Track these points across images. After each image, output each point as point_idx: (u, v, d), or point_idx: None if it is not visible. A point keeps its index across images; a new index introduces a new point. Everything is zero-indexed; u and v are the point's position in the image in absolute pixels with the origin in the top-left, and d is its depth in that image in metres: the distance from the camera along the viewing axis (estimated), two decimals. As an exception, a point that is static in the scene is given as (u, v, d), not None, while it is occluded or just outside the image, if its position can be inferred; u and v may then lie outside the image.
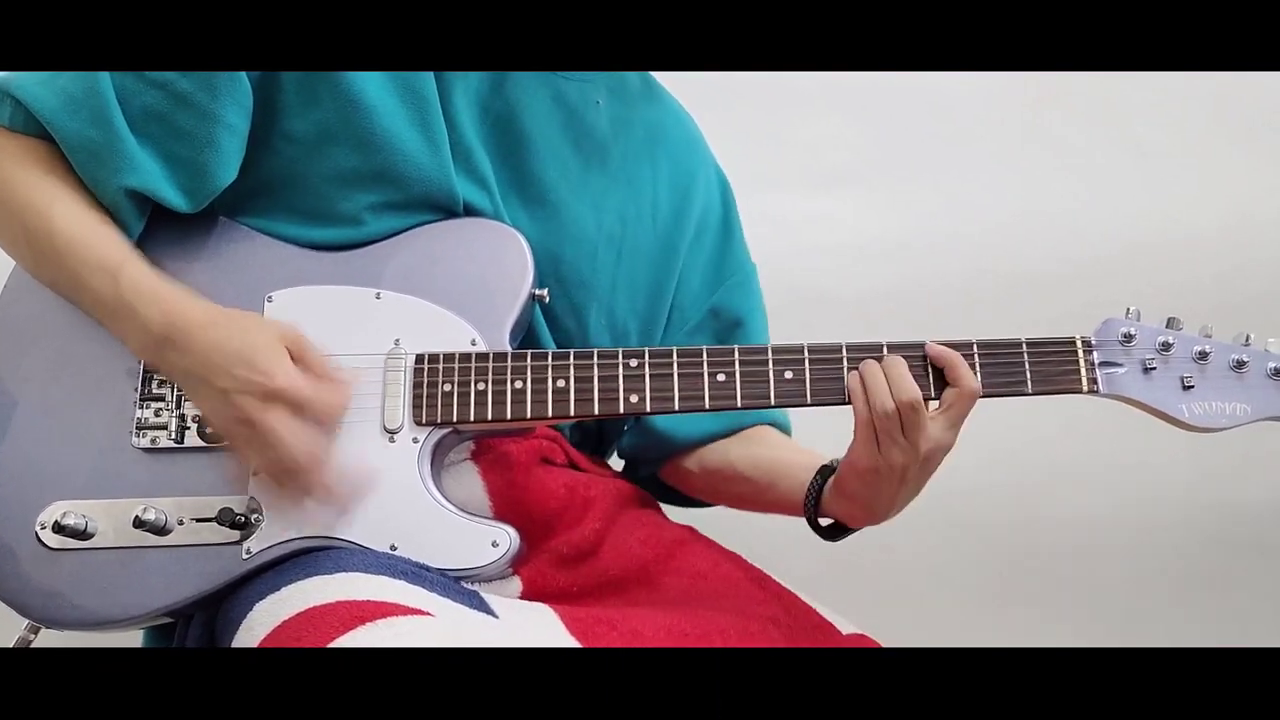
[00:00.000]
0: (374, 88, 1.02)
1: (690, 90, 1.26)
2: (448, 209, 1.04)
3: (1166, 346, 1.00)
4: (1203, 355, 0.99)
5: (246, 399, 0.92)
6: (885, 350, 0.98)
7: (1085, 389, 0.99)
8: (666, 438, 1.16)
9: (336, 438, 0.96)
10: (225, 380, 0.93)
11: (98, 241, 0.97)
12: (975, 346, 0.99)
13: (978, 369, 0.98)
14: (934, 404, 0.97)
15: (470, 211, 1.05)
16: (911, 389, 0.95)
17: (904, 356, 0.97)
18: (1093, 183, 1.76)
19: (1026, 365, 0.99)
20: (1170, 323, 1.01)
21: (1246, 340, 1.00)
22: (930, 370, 0.98)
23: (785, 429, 1.20)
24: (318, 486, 0.95)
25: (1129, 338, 1.00)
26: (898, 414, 0.94)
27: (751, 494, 1.13)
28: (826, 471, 1.04)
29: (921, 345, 0.98)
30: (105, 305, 0.97)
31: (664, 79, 1.24)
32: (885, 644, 1.02)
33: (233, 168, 1.02)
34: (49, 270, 1.00)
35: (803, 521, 1.07)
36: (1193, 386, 0.99)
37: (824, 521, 1.06)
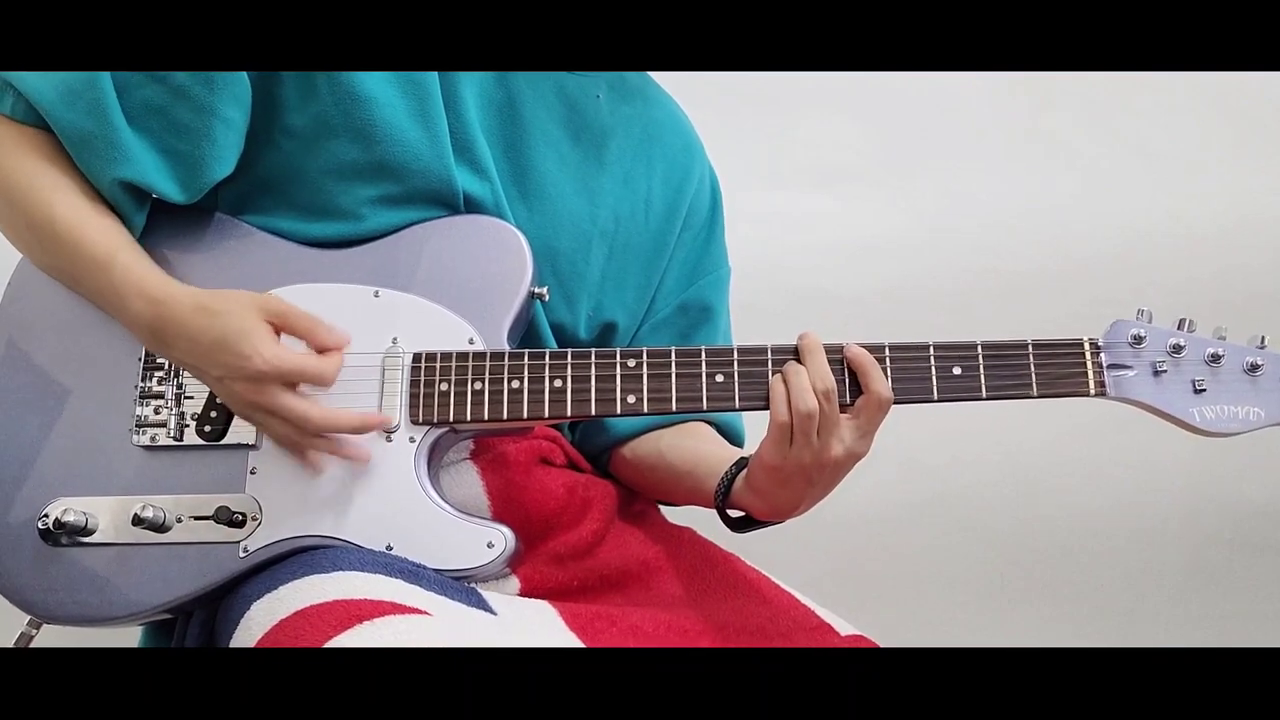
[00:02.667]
0: (372, 79, 1.02)
1: (690, 90, 1.26)
2: (447, 201, 1.04)
3: (1178, 349, 0.97)
4: (1215, 358, 0.97)
5: (239, 384, 0.94)
6: (886, 351, 0.98)
7: (1093, 392, 0.97)
8: (608, 427, 1.15)
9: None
10: (216, 369, 0.94)
11: (92, 231, 0.99)
12: (979, 348, 0.98)
13: (982, 371, 0.98)
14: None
15: (470, 202, 1.05)
16: (827, 377, 0.93)
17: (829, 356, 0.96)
18: (1094, 181, 1.76)
19: (1032, 367, 0.97)
20: (1182, 324, 0.99)
21: (1262, 342, 0.98)
22: (847, 374, 0.96)
23: (728, 431, 1.19)
24: (338, 445, 0.96)
25: (1139, 340, 0.98)
26: (813, 414, 0.92)
27: (673, 481, 1.12)
28: (741, 463, 1.03)
29: (926, 344, 0.98)
30: (103, 296, 0.99)
31: (664, 79, 1.24)
32: (884, 645, 1.02)
33: (229, 161, 1.02)
34: (51, 258, 1.01)
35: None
36: (1204, 390, 0.96)
37: (733, 513, 1.04)
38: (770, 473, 0.96)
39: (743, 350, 0.99)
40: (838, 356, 0.96)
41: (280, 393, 0.94)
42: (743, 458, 1.04)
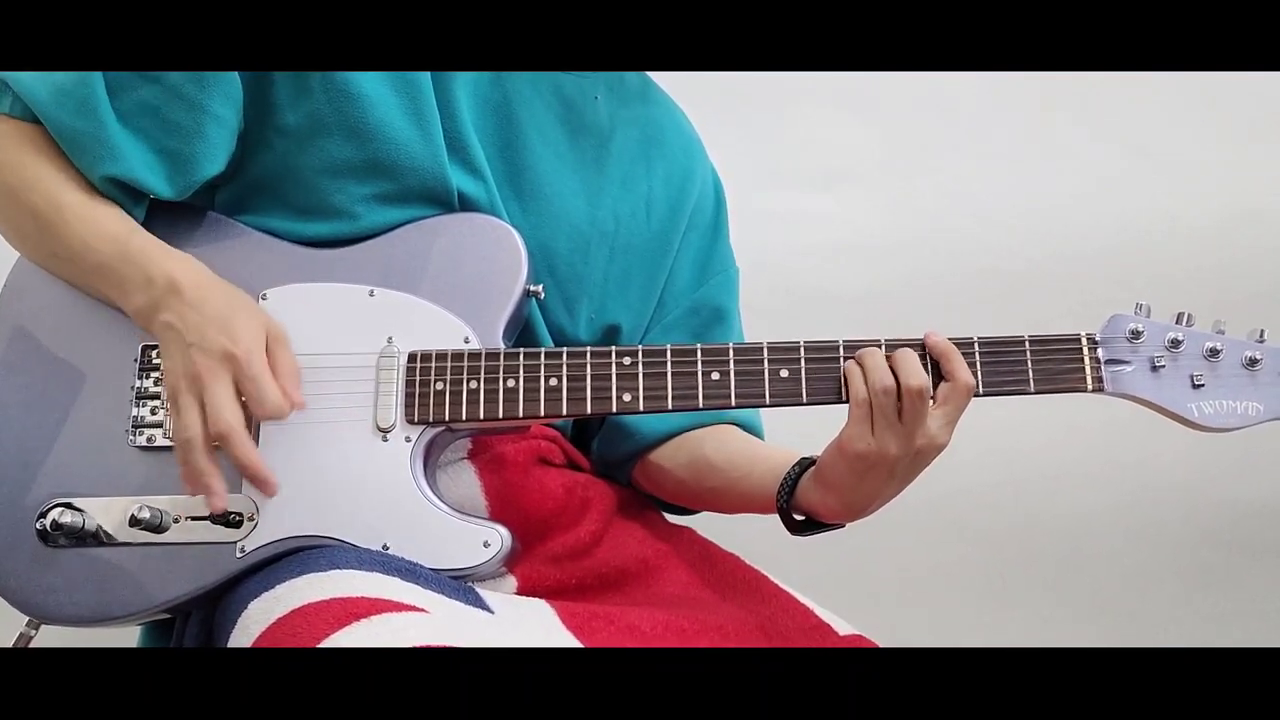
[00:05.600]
0: (366, 77, 1.02)
1: (690, 90, 1.26)
2: (442, 199, 1.04)
3: (1176, 343, 0.97)
4: (1214, 352, 0.96)
5: (204, 355, 0.93)
6: (883, 347, 0.98)
7: (1090, 388, 0.97)
8: (635, 433, 1.14)
9: (314, 437, 0.97)
10: (194, 335, 0.94)
11: (106, 214, 1.00)
12: (976, 343, 0.98)
13: (979, 367, 0.97)
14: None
15: (465, 201, 1.05)
16: (920, 375, 0.93)
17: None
18: (1093, 181, 1.76)
19: (1029, 363, 0.97)
20: (1180, 318, 0.98)
21: (1260, 336, 0.97)
22: (929, 364, 0.96)
23: (756, 431, 1.18)
24: (232, 457, 0.93)
25: (1137, 335, 0.97)
26: (897, 394, 0.92)
27: (724, 486, 1.10)
28: (804, 463, 1.03)
29: (921, 340, 0.98)
30: (107, 268, 0.99)
31: (664, 79, 1.24)
32: (883, 645, 1.02)
33: (219, 159, 1.03)
34: (53, 244, 1.01)
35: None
36: (1203, 385, 0.96)
37: (797, 516, 1.03)
38: (851, 461, 0.95)
39: (738, 349, 0.99)
40: (919, 351, 0.96)
41: (227, 386, 0.93)
42: (805, 457, 1.03)
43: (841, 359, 0.97)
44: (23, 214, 1.01)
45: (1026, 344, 0.98)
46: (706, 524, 1.19)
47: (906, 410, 0.93)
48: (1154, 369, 0.97)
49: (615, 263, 1.13)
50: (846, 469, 0.96)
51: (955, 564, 1.72)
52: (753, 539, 1.15)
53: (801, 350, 0.98)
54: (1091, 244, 1.74)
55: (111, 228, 0.99)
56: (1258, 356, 0.97)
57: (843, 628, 1.02)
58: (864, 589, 1.57)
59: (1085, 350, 0.98)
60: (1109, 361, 0.98)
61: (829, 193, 1.74)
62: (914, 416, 0.93)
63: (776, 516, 1.04)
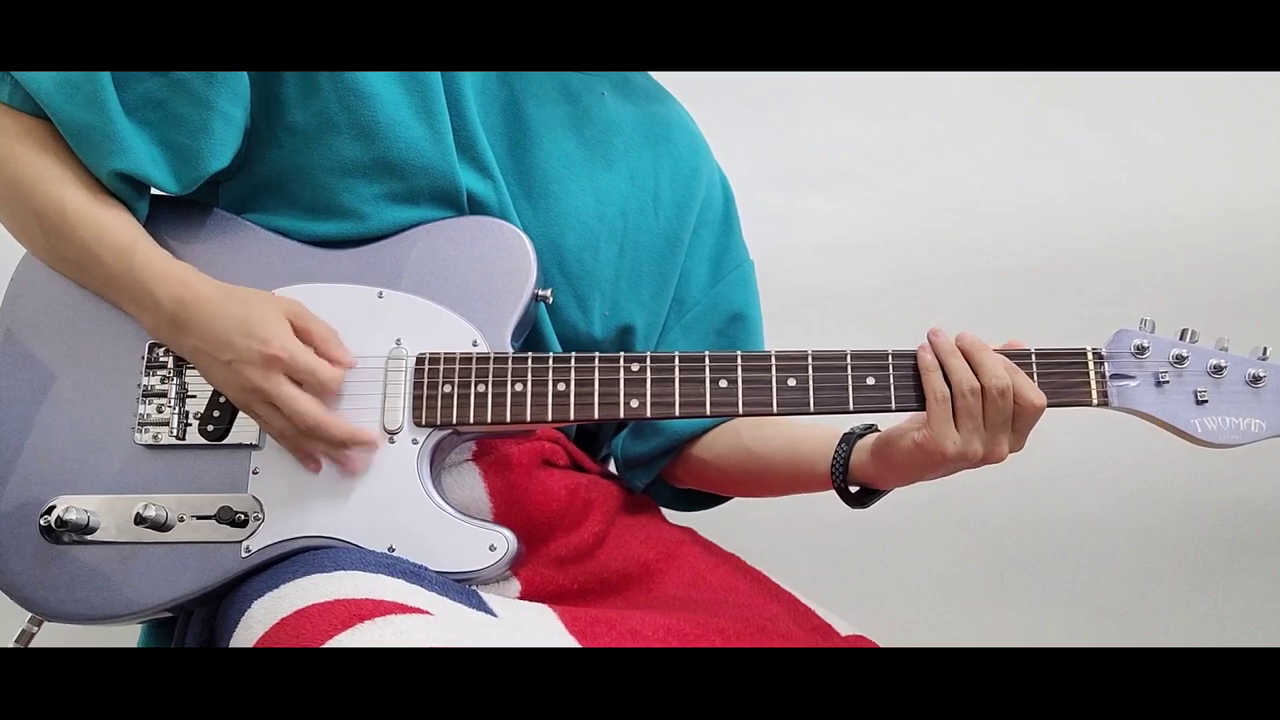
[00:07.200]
0: (376, 76, 1.02)
1: (691, 90, 1.26)
2: (451, 199, 1.04)
3: (1180, 359, 0.98)
4: (1218, 369, 0.97)
5: (248, 367, 0.94)
6: (890, 359, 0.98)
7: (1095, 402, 0.98)
8: (669, 427, 1.15)
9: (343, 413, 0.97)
10: (227, 352, 0.95)
11: (109, 220, 1.00)
12: None
13: None
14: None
15: (474, 201, 1.05)
16: (1004, 376, 0.94)
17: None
18: (1094, 181, 1.76)
19: (1035, 377, 0.97)
20: (1185, 334, 0.99)
21: (1264, 354, 0.98)
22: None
23: None
24: (332, 446, 0.96)
25: (1142, 350, 0.98)
26: (978, 390, 0.93)
27: (767, 471, 1.11)
28: (850, 438, 1.04)
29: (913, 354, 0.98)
30: (117, 283, 0.99)
31: (664, 79, 1.25)
32: (884, 645, 1.02)
33: (225, 156, 1.03)
34: (61, 248, 1.01)
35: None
36: (1206, 401, 0.97)
37: (853, 489, 1.05)
38: (933, 457, 0.95)
39: (746, 357, 0.99)
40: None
41: (285, 383, 0.94)
42: (848, 433, 1.04)
43: (849, 370, 0.97)
44: (26, 214, 1.01)
45: (1033, 357, 0.98)
46: (707, 524, 1.19)
47: (991, 412, 0.94)
48: (1158, 384, 0.98)
49: (625, 259, 1.13)
50: (924, 460, 0.96)
51: (956, 564, 1.73)
52: (753, 540, 1.16)
53: (809, 360, 0.98)
54: (1092, 244, 1.74)
55: (116, 237, 0.99)
56: (1261, 374, 0.98)
57: (844, 628, 1.03)
58: (864, 589, 1.57)
59: (1091, 365, 0.98)
60: (1114, 376, 0.98)
61: (829, 193, 1.74)
62: (1000, 419, 0.94)
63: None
